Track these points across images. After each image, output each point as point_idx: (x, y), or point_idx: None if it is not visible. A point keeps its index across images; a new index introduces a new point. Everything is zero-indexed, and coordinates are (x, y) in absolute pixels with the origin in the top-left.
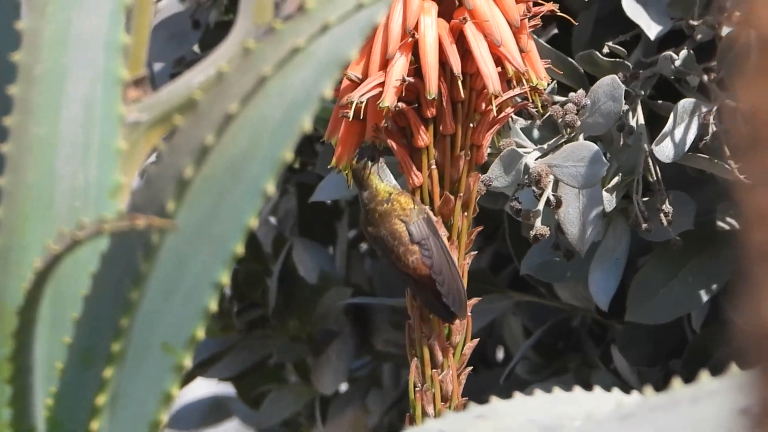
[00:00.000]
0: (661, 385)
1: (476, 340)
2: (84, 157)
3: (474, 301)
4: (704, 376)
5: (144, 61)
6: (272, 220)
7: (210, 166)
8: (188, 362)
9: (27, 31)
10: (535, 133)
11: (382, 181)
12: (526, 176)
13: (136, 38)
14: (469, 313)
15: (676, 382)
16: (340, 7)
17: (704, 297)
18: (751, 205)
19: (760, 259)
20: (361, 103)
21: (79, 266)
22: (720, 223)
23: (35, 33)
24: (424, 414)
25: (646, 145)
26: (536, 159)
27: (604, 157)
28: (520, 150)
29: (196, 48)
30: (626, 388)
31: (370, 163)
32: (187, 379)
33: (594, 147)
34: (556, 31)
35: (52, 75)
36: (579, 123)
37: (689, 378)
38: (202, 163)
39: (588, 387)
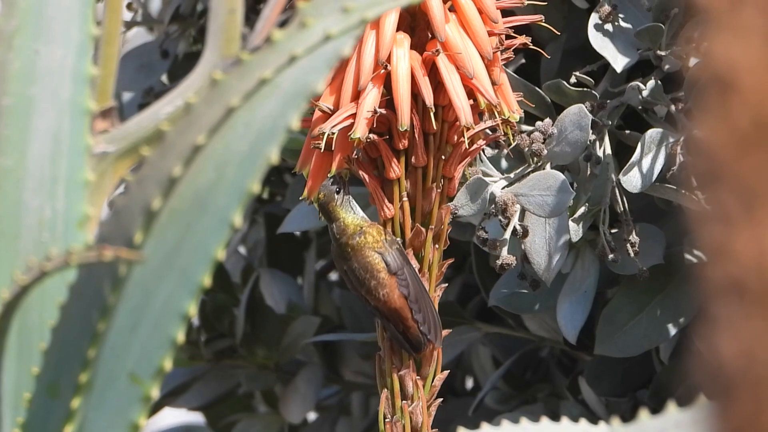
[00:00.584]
0: (629, 416)
1: (446, 372)
2: (51, 188)
3: (446, 332)
4: (671, 407)
5: (112, 92)
6: (242, 250)
7: (177, 197)
8: (155, 392)
9: None
10: (503, 162)
11: (350, 213)
12: (493, 205)
13: (103, 69)
14: (434, 348)
15: (644, 413)
16: (307, 40)
17: (672, 330)
18: (707, 240)
19: (716, 295)
20: (333, 134)
21: (47, 297)
22: (687, 256)
23: (2, 65)
24: None
25: (613, 175)
26: (502, 188)
27: (570, 187)
28: (486, 179)
29: (164, 78)
30: (594, 419)
31: (336, 196)
32: (156, 408)
33: (560, 176)
34: (524, 61)
35: (19, 107)
36: (546, 152)
37: (657, 409)
38: (169, 194)
39: (556, 417)
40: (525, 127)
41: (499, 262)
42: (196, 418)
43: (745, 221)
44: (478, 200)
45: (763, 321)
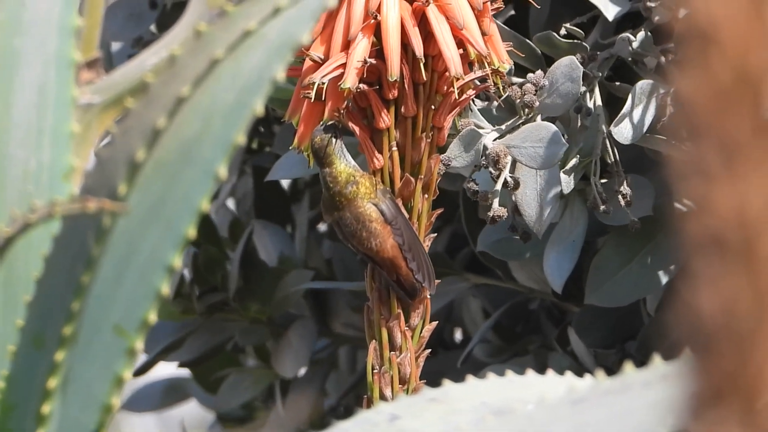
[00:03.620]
0: (617, 368)
1: (435, 323)
2: (37, 140)
3: (436, 282)
4: (656, 360)
5: (97, 43)
6: (230, 203)
7: (162, 149)
8: (140, 345)
9: None
10: (493, 113)
11: (342, 161)
12: (484, 157)
13: (88, 20)
14: (428, 295)
15: (628, 366)
16: None
17: (664, 279)
18: (688, 194)
19: (697, 249)
20: (323, 84)
21: (32, 249)
22: (678, 205)
23: None
24: (382, 396)
25: (604, 127)
26: (494, 140)
27: (562, 138)
28: (479, 130)
29: (153, 28)
30: (583, 370)
31: (334, 140)
32: (149, 365)
33: (552, 128)
34: (513, 12)
35: (5, 58)
36: (537, 103)
37: (644, 361)
38: (153, 146)
39: (546, 369)
40: (515, 79)
41: (490, 213)
42: (184, 372)
43: (725, 176)
44: (471, 151)
45: (742, 276)
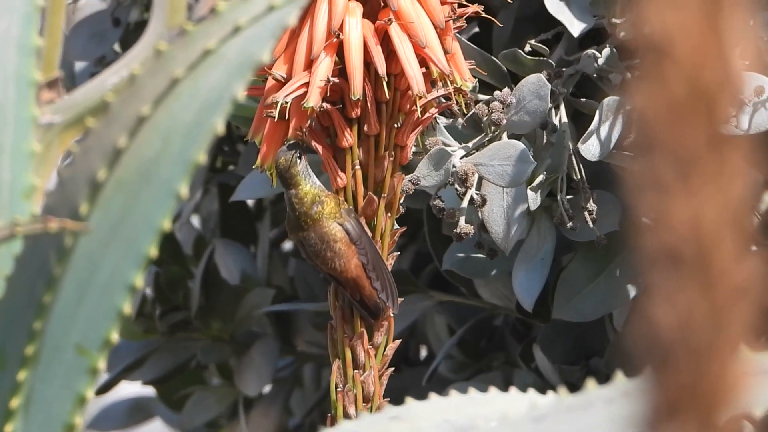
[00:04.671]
0: (582, 383)
1: (398, 341)
2: None
3: (399, 300)
4: (619, 376)
5: (58, 62)
6: (195, 220)
7: (123, 168)
8: (102, 364)
9: None
10: (458, 131)
11: (308, 181)
12: (451, 175)
13: (49, 40)
14: (392, 314)
15: (591, 383)
16: (252, 10)
17: (631, 293)
18: (643, 208)
19: (653, 264)
20: (286, 103)
21: None
22: (638, 219)
23: None
24: (346, 415)
25: (570, 143)
26: (461, 158)
27: (530, 156)
28: (448, 149)
29: (117, 47)
30: (548, 387)
31: (298, 161)
32: (111, 384)
33: (520, 146)
34: (477, 29)
35: None
36: (505, 121)
37: (611, 377)
38: (114, 165)
39: (511, 385)
40: (481, 96)
41: (456, 231)
42: (149, 390)
43: (680, 189)
44: (441, 170)
45: (698, 290)
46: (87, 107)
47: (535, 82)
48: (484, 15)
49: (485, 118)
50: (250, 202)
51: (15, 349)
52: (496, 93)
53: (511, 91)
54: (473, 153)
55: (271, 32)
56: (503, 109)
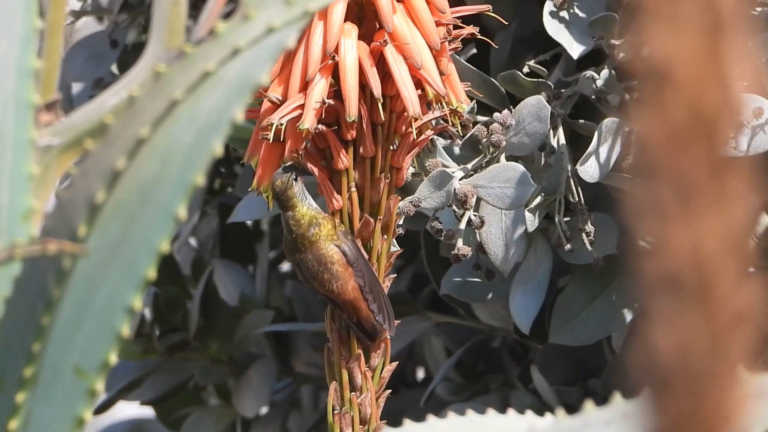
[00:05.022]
0: (580, 405)
1: (395, 363)
2: None
3: (396, 322)
4: (617, 398)
5: (56, 84)
6: (193, 242)
7: (121, 190)
8: (101, 386)
9: None
10: (456, 152)
11: (304, 203)
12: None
13: (47, 62)
14: (388, 336)
15: (589, 405)
16: (250, 32)
17: (628, 316)
18: (644, 233)
19: (653, 289)
20: (282, 125)
21: None
22: (637, 244)
23: None
24: None
25: (568, 165)
26: (460, 179)
27: (531, 179)
28: (447, 170)
29: (115, 68)
30: (546, 408)
31: (294, 183)
32: (109, 404)
33: (521, 168)
34: (475, 50)
35: None
36: (504, 143)
37: (608, 398)
38: (113, 187)
39: (509, 407)
40: (480, 118)
41: (454, 252)
42: (147, 412)
43: (680, 215)
44: (442, 192)
45: (698, 315)
46: (85, 129)
47: (535, 104)
48: (480, 36)
49: (485, 140)
50: (249, 223)
51: (14, 371)
52: (496, 114)
53: (510, 112)
54: (472, 174)
55: (270, 54)
56: (503, 130)
